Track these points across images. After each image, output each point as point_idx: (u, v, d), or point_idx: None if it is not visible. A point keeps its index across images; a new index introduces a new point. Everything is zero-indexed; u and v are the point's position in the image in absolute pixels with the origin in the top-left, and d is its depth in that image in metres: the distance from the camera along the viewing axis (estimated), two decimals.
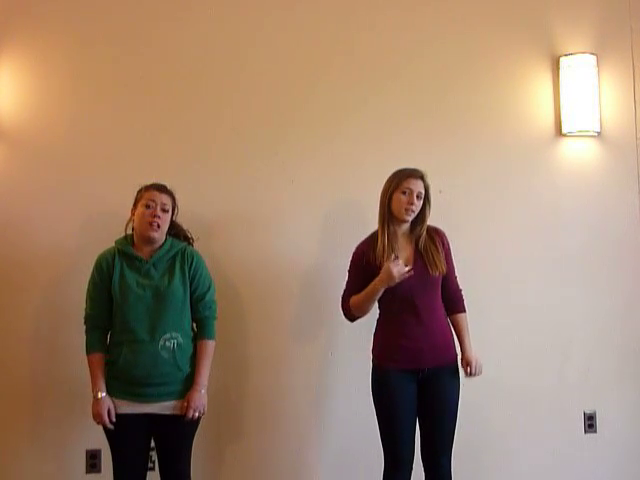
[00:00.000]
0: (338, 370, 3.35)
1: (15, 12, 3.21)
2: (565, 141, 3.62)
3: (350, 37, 3.46)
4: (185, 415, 2.68)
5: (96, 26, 3.27)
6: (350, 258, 2.94)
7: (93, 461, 3.17)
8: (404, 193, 2.83)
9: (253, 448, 3.30)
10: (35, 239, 3.18)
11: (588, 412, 3.58)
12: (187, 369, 2.73)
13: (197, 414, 2.70)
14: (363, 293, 2.82)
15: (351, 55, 3.45)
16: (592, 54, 3.58)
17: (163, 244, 2.79)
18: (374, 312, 2.94)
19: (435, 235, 2.92)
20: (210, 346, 2.78)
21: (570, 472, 3.53)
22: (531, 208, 3.57)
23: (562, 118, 3.58)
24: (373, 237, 2.91)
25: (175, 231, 2.87)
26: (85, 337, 2.76)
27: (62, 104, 3.24)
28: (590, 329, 3.60)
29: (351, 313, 2.90)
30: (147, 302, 2.69)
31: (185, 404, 2.68)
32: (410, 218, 2.86)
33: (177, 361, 2.69)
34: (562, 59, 3.58)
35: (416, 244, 2.88)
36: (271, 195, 3.36)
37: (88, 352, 2.74)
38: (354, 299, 2.86)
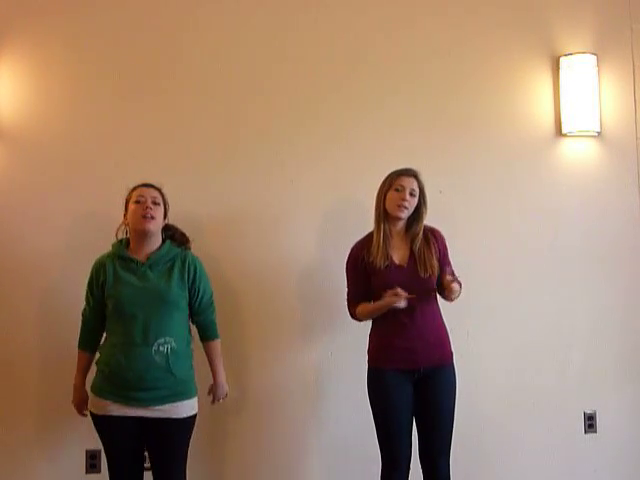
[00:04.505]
0: (338, 370, 3.35)
1: (15, 13, 3.22)
2: (565, 141, 3.62)
3: (353, 40, 3.45)
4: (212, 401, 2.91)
5: (96, 27, 3.27)
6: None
7: (93, 461, 3.18)
8: (397, 190, 2.85)
9: (251, 447, 3.30)
10: (34, 239, 3.18)
11: (588, 412, 3.58)
12: (183, 373, 2.71)
13: (221, 400, 2.92)
14: (370, 308, 2.86)
15: (353, 56, 3.45)
16: (592, 54, 3.58)
17: (161, 246, 2.79)
18: None
19: (431, 236, 2.92)
20: (219, 344, 2.90)
21: (570, 472, 3.54)
22: (531, 208, 3.56)
23: (562, 118, 3.58)
24: (367, 238, 2.92)
25: (171, 232, 2.87)
26: (80, 331, 2.84)
27: (61, 104, 3.24)
28: (590, 329, 3.60)
29: (358, 319, 2.94)
30: (142, 305, 2.68)
31: (211, 396, 2.91)
32: (403, 215, 2.86)
33: (170, 366, 2.67)
34: (562, 59, 3.58)
35: (411, 244, 2.89)
36: (271, 195, 3.36)
37: (78, 347, 2.85)
38: (361, 310, 2.89)
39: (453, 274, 2.88)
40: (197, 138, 3.32)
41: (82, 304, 2.82)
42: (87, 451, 3.18)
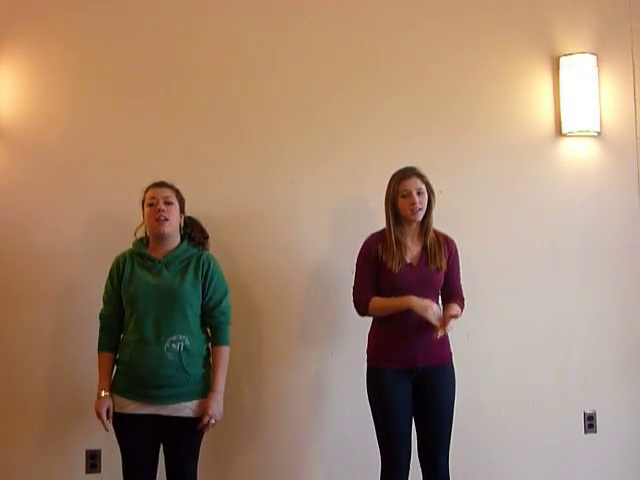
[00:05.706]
0: (338, 370, 3.35)
1: (16, 13, 3.21)
2: (565, 141, 3.62)
3: (353, 40, 3.45)
4: (201, 421, 2.67)
5: (96, 27, 3.27)
6: (358, 252, 2.93)
7: (93, 461, 3.17)
8: (404, 196, 2.86)
9: (252, 447, 3.30)
10: (35, 239, 3.18)
11: (588, 412, 3.58)
12: (197, 372, 2.72)
13: (212, 421, 2.69)
14: (388, 303, 2.82)
15: (354, 57, 3.45)
16: (592, 54, 3.58)
17: (179, 245, 2.80)
18: None
19: (443, 240, 2.95)
20: (225, 352, 2.78)
21: (570, 472, 3.53)
22: (531, 208, 3.57)
23: (562, 118, 3.58)
24: (382, 234, 2.92)
25: (190, 229, 2.87)
26: (98, 335, 2.79)
27: (62, 104, 3.24)
28: (590, 329, 3.60)
29: (366, 310, 2.88)
30: (155, 302, 2.69)
31: (203, 410, 2.67)
32: (420, 216, 2.87)
33: (183, 364, 2.67)
34: (562, 59, 3.58)
35: (424, 238, 2.91)
36: (272, 196, 3.36)
37: (98, 350, 2.78)
38: (377, 303, 2.84)
39: (459, 293, 2.91)
40: (198, 138, 3.32)
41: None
42: (87, 451, 3.17)
